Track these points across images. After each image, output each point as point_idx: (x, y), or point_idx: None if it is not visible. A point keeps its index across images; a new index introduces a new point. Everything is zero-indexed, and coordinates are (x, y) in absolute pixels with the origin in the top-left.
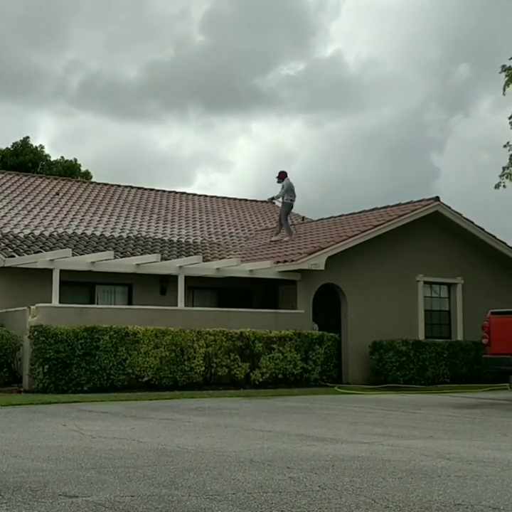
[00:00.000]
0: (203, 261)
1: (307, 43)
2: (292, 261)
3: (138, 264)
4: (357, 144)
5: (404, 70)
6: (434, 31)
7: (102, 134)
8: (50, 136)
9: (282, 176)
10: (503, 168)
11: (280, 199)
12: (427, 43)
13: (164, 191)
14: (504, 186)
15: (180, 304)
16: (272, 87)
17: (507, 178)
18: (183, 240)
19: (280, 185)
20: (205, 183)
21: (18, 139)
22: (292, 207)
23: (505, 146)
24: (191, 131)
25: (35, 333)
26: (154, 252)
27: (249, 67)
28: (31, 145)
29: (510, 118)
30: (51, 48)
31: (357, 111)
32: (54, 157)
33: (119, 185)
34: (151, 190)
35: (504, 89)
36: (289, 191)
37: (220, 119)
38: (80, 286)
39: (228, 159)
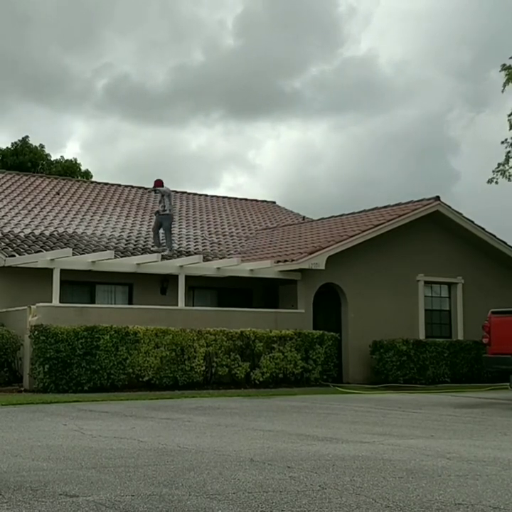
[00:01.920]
0: (204, 260)
1: (335, 46)
2: (292, 260)
3: (138, 264)
4: (383, 146)
5: (432, 72)
6: (464, 34)
7: (130, 137)
8: (80, 138)
9: (159, 185)
10: (499, 164)
11: (166, 210)
12: (457, 46)
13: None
14: (496, 182)
15: (181, 303)
16: (300, 89)
17: (501, 174)
18: (183, 239)
19: (157, 194)
20: (232, 184)
21: (53, 140)
22: (170, 218)
23: (502, 142)
24: (219, 134)
25: (36, 332)
26: (154, 252)
27: (277, 70)
28: (31, 144)
29: (509, 115)
30: (84, 52)
31: (384, 113)
32: (82, 159)
33: (119, 185)
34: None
35: (504, 87)
36: (171, 200)
37: (247, 122)
38: (81, 285)
39: (255, 162)
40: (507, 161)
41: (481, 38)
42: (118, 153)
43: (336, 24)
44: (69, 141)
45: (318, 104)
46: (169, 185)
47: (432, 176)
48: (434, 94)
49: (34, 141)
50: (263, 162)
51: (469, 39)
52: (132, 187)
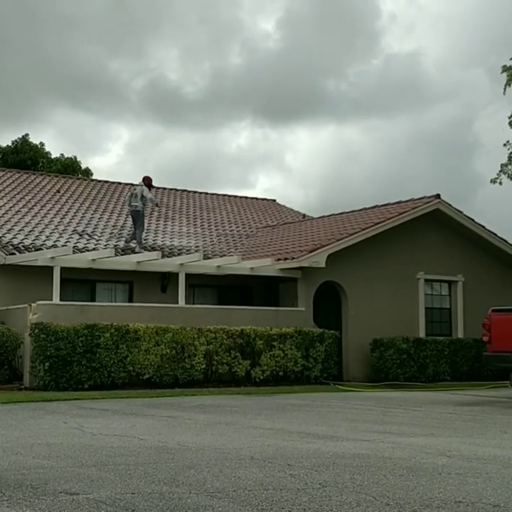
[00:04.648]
0: (204, 258)
1: (373, 49)
2: (293, 258)
3: (139, 262)
4: (420, 147)
5: (472, 75)
6: (507, 36)
7: (170, 140)
8: (121, 141)
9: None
10: (502, 166)
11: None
12: (500, 48)
13: (165, 189)
14: (500, 183)
15: (181, 301)
16: (337, 91)
17: (505, 175)
18: (184, 237)
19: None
20: (268, 186)
21: (82, 145)
22: (131, 214)
23: (505, 144)
24: (255, 136)
25: (36, 330)
26: (155, 250)
27: (314, 73)
28: (31, 142)
29: (510, 117)
30: (126, 56)
31: (422, 115)
32: (123, 162)
33: (119, 183)
34: (152, 187)
35: (505, 89)
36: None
37: (284, 124)
38: (81, 283)
39: (292, 163)
40: (510, 161)
41: None
42: (157, 156)
43: (375, 27)
44: (109, 143)
45: (355, 106)
46: (205, 186)
47: (464, 178)
48: (472, 96)
49: (73, 143)
50: (299, 164)
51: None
52: (132, 185)
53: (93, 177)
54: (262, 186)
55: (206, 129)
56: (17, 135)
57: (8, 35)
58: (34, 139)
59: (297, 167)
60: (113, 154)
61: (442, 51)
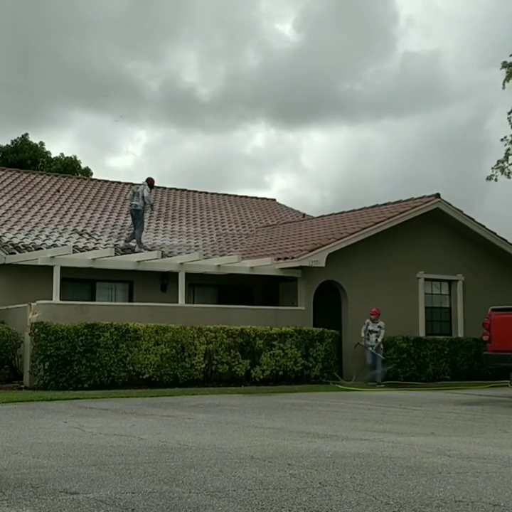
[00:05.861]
0: (204, 258)
1: (388, 51)
2: (293, 258)
3: (138, 261)
4: (436, 147)
5: (486, 74)
6: None
7: (186, 142)
8: (138, 144)
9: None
10: (498, 162)
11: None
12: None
13: (165, 188)
14: (496, 180)
15: (181, 300)
16: (352, 92)
17: (501, 171)
18: (184, 237)
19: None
20: (283, 187)
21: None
22: (131, 213)
23: (502, 139)
24: (270, 137)
25: (36, 330)
26: (155, 249)
27: (328, 73)
28: (31, 142)
29: (509, 113)
30: (143, 59)
31: (435, 115)
32: (139, 163)
33: (119, 182)
34: (153, 187)
35: (503, 85)
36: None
37: (298, 125)
38: (81, 283)
39: (307, 164)
40: (506, 158)
41: None
42: (173, 157)
43: (391, 29)
44: (129, 145)
45: (369, 107)
46: (220, 188)
47: (477, 178)
48: (487, 97)
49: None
50: (315, 165)
51: None
52: (132, 184)
53: (110, 178)
54: (277, 187)
55: (222, 130)
56: (33, 135)
57: (27, 38)
58: (43, 140)
59: (312, 168)
60: (130, 155)
61: (457, 52)
